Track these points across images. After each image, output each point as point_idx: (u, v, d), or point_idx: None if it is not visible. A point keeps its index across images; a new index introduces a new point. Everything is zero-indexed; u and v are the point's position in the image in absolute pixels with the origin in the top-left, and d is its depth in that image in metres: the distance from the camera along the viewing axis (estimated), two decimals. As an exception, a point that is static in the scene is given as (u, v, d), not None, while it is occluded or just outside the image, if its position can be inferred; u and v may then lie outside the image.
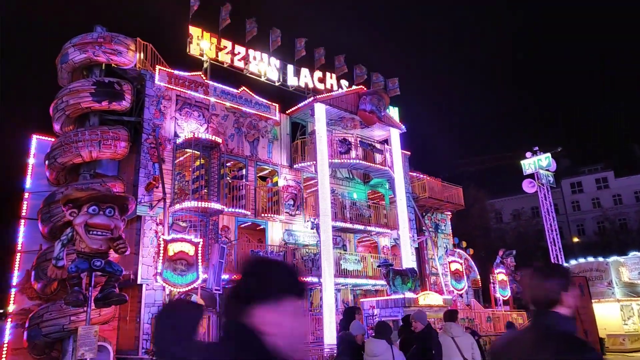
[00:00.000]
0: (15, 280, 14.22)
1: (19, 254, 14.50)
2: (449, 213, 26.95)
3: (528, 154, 17.17)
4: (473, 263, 26.34)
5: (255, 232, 18.96)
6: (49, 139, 15.79)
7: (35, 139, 15.89)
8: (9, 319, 13.85)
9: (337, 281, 17.73)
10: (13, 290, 14.13)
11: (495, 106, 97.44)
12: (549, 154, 16.92)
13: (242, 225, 18.00)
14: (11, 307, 14.00)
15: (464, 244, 26.09)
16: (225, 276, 14.80)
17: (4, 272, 15.01)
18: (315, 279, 17.24)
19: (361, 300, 17.66)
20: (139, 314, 14.17)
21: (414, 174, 24.84)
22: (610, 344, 20.91)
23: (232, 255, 16.21)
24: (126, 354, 13.87)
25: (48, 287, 13.20)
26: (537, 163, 16.72)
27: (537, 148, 17.21)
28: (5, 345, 13.51)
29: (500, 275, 24.18)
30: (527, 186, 16.61)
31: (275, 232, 18.46)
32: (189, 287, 13.86)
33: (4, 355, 13.41)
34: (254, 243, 18.21)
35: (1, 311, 16.15)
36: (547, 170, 16.81)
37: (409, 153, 24.45)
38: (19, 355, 13.44)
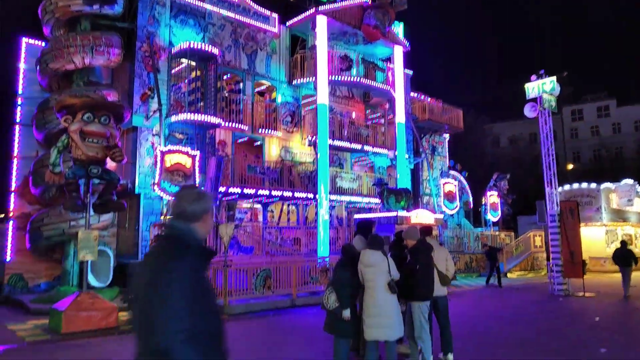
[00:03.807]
0: (13, 185, 14.38)
1: (15, 160, 14.53)
2: (447, 136, 26.86)
3: (533, 77, 16.68)
4: (467, 185, 26.76)
5: (252, 148, 18.95)
6: (40, 42, 15.20)
7: (24, 42, 15.27)
8: (10, 222, 14.20)
9: (332, 198, 18.04)
10: (12, 195, 14.34)
11: (502, 31, 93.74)
12: (554, 78, 16.45)
13: (239, 141, 17.94)
14: (11, 211, 14.29)
15: (459, 166, 26.32)
16: (222, 189, 14.99)
17: (1, 178, 15.12)
18: (310, 195, 17.53)
19: (354, 216, 18.10)
20: (137, 222, 14.52)
21: (415, 94, 24.39)
22: (591, 265, 21.88)
23: (229, 169, 16.31)
24: (126, 258, 14.40)
25: (47, 192, 13.37)
26: (542, 87, 16.31)
27: (542, 71, 16.73)
28: (9, 246, 13.97)
29: (492, 197, 24.70)
30: (529, 110, 16.32)
31: (272, 149, 18.45)
32: (187, 198, 14.08)
33: (8, 257, 13.91)
34: (250, 158, 18.25)
35: (2, 215, 16.48)
36: (551, 94, 16.44)
37: (412, 73, 23.83)
38: (23, 257, 13.96)
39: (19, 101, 14.87)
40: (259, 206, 18.24)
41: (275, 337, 8.75)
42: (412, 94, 23.94)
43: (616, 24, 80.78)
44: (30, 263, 14.07)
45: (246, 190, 16.03)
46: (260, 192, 16.41)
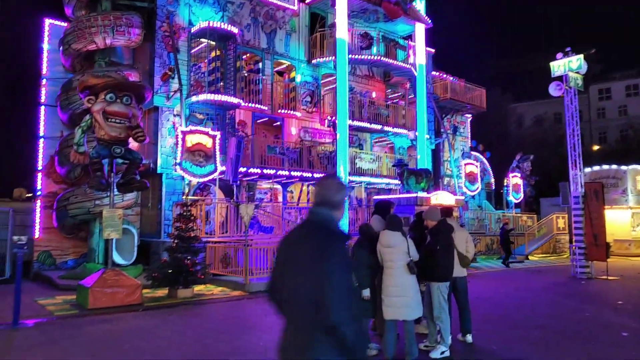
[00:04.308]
0: (40, 165, 14.74)
1: (41, 140, 14.86)
2: (470, 115, 26.41)
3: (559, 55, 16.16)
4: (489, 166, 26.38)
5: (272, 128, 18.97)
6: (62, 23, 15.36)
7: (47, 24, 15.45)
8: (38, 201, 14.60)
9: (351, 179, 18.00)
10: (39, 175, 14.71)
11: (527, 6, 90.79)
12: (581, 56, 15.90)
13: (259, 121, 17.96)
14: (39, 190, 14.68)
15: (482, 147, 25.92)
16: (242, 169, 15.10)
17: (28, 157, 15.50)
18: (330, 176, 17.51)
19: (373, 197, 18.06)
20: (160, 201, 14.77)
21: (437, 73, 23.96)
22: (615, 249, 21.46)
23: (249, 149, 16.38)
24: (150, 237, 14.70)
25: (72, 172, 13.67)
26: (568, 65, 15.81)
27: (569, 49, 16.19)
28: (38, 224, 14.40)
29: (514, 179, 24.32)
30: (554, 89, 15.85)
31: (291, 129, 18.44)
32: (208, 178, 14.24)
33: (37, 234, 14.35)
34: (270, 139, 18.29)
35: (30, 195, 16.96)
36: (577, 72, 15.93)
37: (433, 51, 23.37)
38: (51, 235, 14.39)
39: (43, 82, 15.12)
40: (278, 186, 18.34)
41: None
42: (433, 72, 23.53)
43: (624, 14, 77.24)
44: (58, 241, 14.51)
45: (266, 171, 16.11)
46: (280, 172, 16.47)
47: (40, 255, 14.25)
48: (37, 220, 14.43)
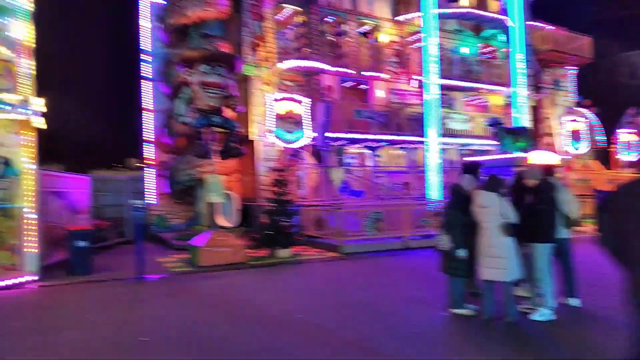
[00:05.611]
0: (153, 137, 16.13)
1: (151, 113, 16.19)
2: (573, 68, 24.17)
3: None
4: (597, 122, 24.16)
5: (358, 92, 18.86)
6: (160, 0, 16.32)
7: (148, 1, 16.50)
8: (152, 169, 16.09)
9: (442, 141, 17.51)
10: (150, 145, 16.12)
11: None
12: None
13: (345, 85, 17.93)
14: (153, 160, 16.16)
15: (588, 102, 23.72)
16: (331, 134, 15.31)
17: (136, 129, 16.98)
18: (419, 139, 17.17)
19: (464, 159, 17.44)
20: (255, 167, 15.51)
21: (535, 22, 22.07)
22: None
23: (336, 115, 16.49)
24: (248, 201, 15.58)
25: (178, 141, 14.78)
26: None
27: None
28: (154, 191, 15.94)
29: (627, 135, 22.12)
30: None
31: (378, 92, 18.19)
32: (298, 144, 14.66)
33: (153, 199, 15.93)
34: (357, 102, 18.23)
35: (141, 164, 18.66)
36: None
37: (532, -2, 21.48)
38: (163, 199, 15.86)
39: (147, 58, 16.29)
40: (367, 151, 18.37)
41: (390, 276, 9.05)
42: (531, 22, 21.71)
43: None
44: (170, 205, 15.93)
45: (354, 135, 16.18)
46: (368, 136, 16.45)
47: (156, 218, 15.80)
48: (154, 187, 15.96)
